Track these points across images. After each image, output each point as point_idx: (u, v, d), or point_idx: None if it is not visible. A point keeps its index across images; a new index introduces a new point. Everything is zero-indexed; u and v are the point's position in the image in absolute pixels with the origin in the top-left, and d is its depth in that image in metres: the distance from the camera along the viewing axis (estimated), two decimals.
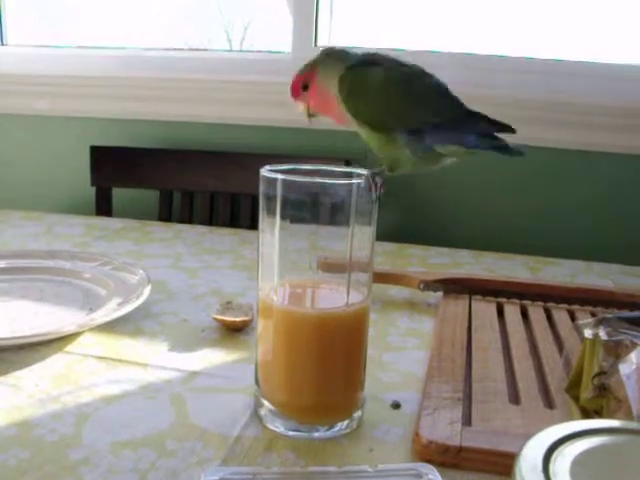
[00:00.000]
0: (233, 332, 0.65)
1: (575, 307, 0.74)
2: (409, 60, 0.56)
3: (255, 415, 0.49)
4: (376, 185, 0.46)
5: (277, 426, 0.47)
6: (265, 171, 0.46)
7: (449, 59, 1.31)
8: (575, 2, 1.30)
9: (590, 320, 0.52)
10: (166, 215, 1.38)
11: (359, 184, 0.45)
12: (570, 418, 0.48)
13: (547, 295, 0.75)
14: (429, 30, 1.39)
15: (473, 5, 1.35)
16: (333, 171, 0.49)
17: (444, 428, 0.45)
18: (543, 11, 1.31)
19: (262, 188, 0.46)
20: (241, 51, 1.58)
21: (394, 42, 1.36)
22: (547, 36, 1.31)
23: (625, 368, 0.43)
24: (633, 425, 0.29)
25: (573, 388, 0.51)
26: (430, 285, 0.77)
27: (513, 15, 1.34)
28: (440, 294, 0.77)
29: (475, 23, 1.35)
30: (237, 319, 0.65)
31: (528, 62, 1.30)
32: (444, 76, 0.55)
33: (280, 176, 0.44)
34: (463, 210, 1.36)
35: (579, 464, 0.26)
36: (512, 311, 0.72)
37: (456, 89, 0.55)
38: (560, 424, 0.28)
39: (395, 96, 0.55)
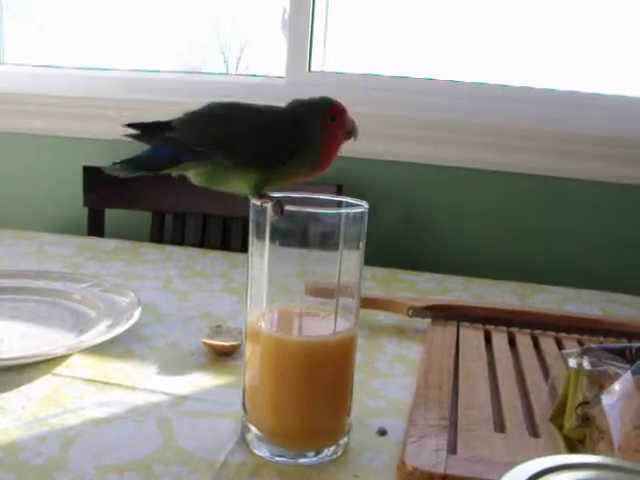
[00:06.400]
0: (222, 356, 0.65)
1: (562, 335, 0.74)
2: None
3: (242, 440, 0.49)
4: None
5: (263, 451, 0.48)
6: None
7: (444, 87, 1.33)
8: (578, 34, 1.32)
9: (575, 350, 0.52)
10: (158, 236, 1.38)
11: (348, 213, 0.46)
12: (554, 447, 0.49)
13: (535, 322, 0.76)
14: (421, 57, 1.40)
15: (467, 33, 1.37)
16: (323, 199, 0.50)
17: (429, 456, 0.45)
18: (544, 41, 1.33)
19: (252, 215, 0.47)
20: (236, 75, 1.60)
21: (387, 68, 1.38)
22: (539, 66, 1.33)
23: (608, 399, 0.43)
24: (610, 461, 0.29)
25: (557, 417, 0.52)
26: (419, 311, 0.78)
27: (504, 44, 1.36)
28: (428, 320, 0.77)
29: (469, 51, 1.37)
30: (226, 344, 0.65)
31: (520, 91, 1.32)
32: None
33: (270, 205, 0.45)
34: (455, 236, 1.37)
35: None
36: (500, 338, 0.73)
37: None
38: (536, 459, 0.28)
39: None
